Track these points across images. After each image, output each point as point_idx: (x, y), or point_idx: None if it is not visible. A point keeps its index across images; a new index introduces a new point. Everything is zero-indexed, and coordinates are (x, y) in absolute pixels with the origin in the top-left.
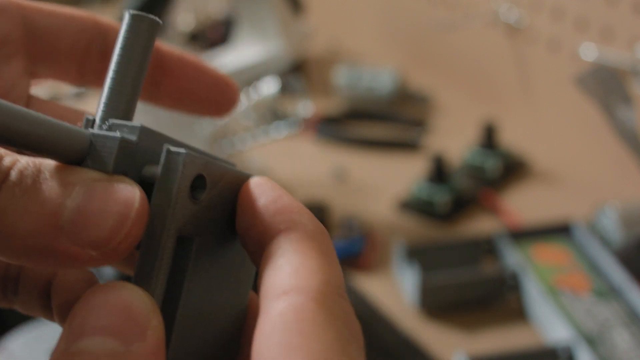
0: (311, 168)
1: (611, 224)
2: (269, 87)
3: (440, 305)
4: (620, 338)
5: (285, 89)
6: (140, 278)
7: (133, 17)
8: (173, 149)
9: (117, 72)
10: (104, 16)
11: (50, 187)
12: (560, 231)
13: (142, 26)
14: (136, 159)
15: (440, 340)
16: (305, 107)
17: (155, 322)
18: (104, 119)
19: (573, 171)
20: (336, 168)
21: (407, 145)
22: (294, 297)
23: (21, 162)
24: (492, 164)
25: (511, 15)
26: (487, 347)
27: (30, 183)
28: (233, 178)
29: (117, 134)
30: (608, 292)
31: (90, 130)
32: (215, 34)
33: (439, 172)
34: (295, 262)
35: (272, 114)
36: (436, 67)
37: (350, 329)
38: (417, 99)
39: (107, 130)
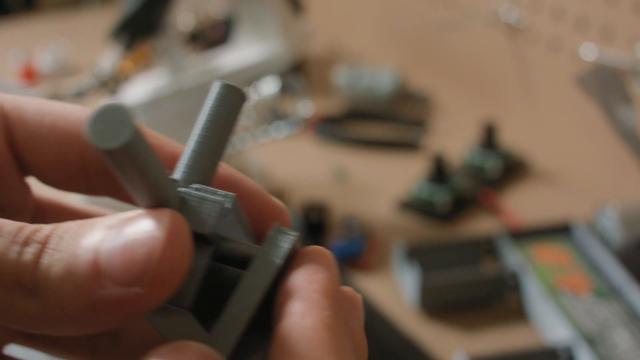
0: (311, 168)
1: (611, 224)
2: (269, 87)
3: (440, 305)
4: (620, 338)
5: (285, 89)
6: (217, 340)
7: (223, 87)
8: (284, 228)
9: (202, 136)
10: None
11: (87, 239)
12: (560, 231)
13: (231, 96)
14: (222, 228)
15: (440, 340)
16: (305, 107)
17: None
18: (185, 180)
19: (573, 171)
20: (336, 168)
21: (407, 145)
22: None
23: (62, 227)
24: (492, 164)
25: (511, 15)
26: (487, 347)
27: (70, 241)
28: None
29: (218, 197)
30: (608, 292)
31: (185, 189)
32: (215, 34)
33: (439, 172)
34: (306, 354)
35: (272, 113)
36: (436, 67)
37: None
38: (417, 99)
39: (195, 191)
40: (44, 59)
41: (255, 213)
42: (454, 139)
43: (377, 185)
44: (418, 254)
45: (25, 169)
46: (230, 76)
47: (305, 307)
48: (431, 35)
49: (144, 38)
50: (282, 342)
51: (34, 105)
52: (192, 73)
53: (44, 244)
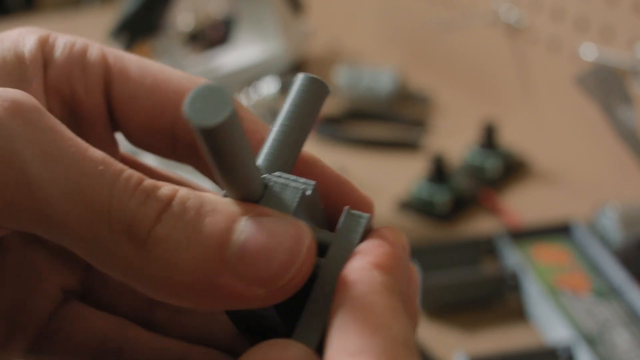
0: None
1: (611, 224)
2: (269, 87)
3: (440, 305)
4: (620, 338)
5: (285, 89)
6: (303, 335)
7: (307, 79)
8: (355, 212)
9: (285, 125)
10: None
11: (215, 220)
12: (560, 231)
13: (315, 88)
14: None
15: (440, 340)
16: None
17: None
18: (267, 167)
19: (573, 171)
20: (336, 168)
21: (407, 145)
22: None
23: (182, 193)
24: (492, 164)
25: (511, 15)
26: (487, 347)
27: (194, 215)
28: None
29: (299, 184)
30: (608, 292)
31: (268, 175)
32: (215, 34)
33: (439, 172)
34: (359, 319)
35: (272, 114)
36: (436, 67)
37: None
38: (417, 99)
39: (277, 178)
40: None
41: (335, 200)
42: (454, 139)
43: (377, 185)
44: (418, 253)
45: (116, 125)
46: (230, 76)
47: (367, 265)
48: (431, 35)
49: (144, 38)
50: (342, 294)
51: (136, 63)
52: (192, 73)
53: (167, 203)
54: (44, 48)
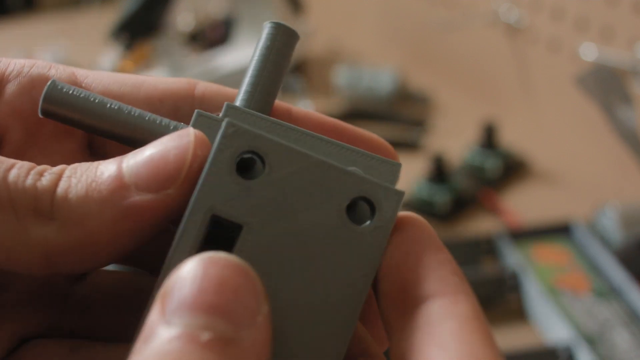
0: None
1: (611, 224)
2: None
3: None
4: (620, 338)
5: (285, 89)
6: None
7: (275, 27)
8: (229, 120)
9: (253, 75)
10: (202, 83)
11: (104, 166)
12: (560, 231)
13: (284, 35)
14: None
15: None
16: (305, 107)
17: (265, 309)
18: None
19: (573, 171)
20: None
21: (407, 145)
22: None
23: (72, 165)
24: (492, 164)
25: (511, 15)
26: None
27: (85, 171)
28: (325, 171)
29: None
30: (608, 292)
31: (197, 110)
32: (215, 34)
33: (439, 172)
34: (466, 347)
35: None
36: (436, 67)
37: None
38: (417, 99)
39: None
40: (44, 58)
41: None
42: (454, 139)
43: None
44: None
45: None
46: (230, 76)
47: (450, 291)
48: (431, 35)
49: (144, 38)
50: (428, 329)
51: (104, 74)
52: (192, 73)
53: (59, 174)
54: None
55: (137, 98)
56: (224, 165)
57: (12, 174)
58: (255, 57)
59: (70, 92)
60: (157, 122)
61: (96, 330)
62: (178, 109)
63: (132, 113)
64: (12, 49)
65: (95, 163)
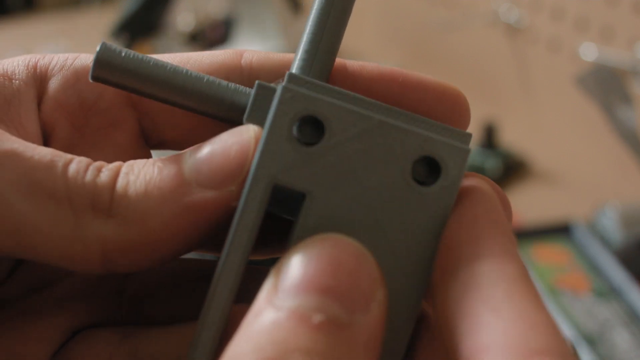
0: None
1: (611, 224)
2: None
3: None
4: (620, 338)
5: None
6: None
7: None
8: (285, 86)
9: (312, 33)
10: (248, 52)
11: (163, 163)
12: (560, 231)
13: None
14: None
15: None
16: None
17: (380, 295)
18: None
19: (573, 171)
20: None
21: None
22: None
23: (128, 161)
24: (492, 164)
25: (511, 15)
26: None
27: (143, 168)
28: (387, 132)
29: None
30: (608, 292)
31: (258, 81)
32: (215, 34)
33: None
34: (519, 310)
35: None
36: (436, 67)
37: None
38: None
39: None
40: None
41: (431, 105)
42: None
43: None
44: None
45: (155, 127)
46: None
47: (500, 253)
48: (431, 35)
49: (144, 38)
50: (477, 290)
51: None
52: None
53: (117, 171)
54: (35, 72)
55: None
56: (282, 132)
57: (71, 169)
58: (313, 15)
59: (124, 54)
60: (217, 83)
61: (150, 318)
62: (227, 81)
63: (190, 74)
64: (12, 49)
65: (152, 160)
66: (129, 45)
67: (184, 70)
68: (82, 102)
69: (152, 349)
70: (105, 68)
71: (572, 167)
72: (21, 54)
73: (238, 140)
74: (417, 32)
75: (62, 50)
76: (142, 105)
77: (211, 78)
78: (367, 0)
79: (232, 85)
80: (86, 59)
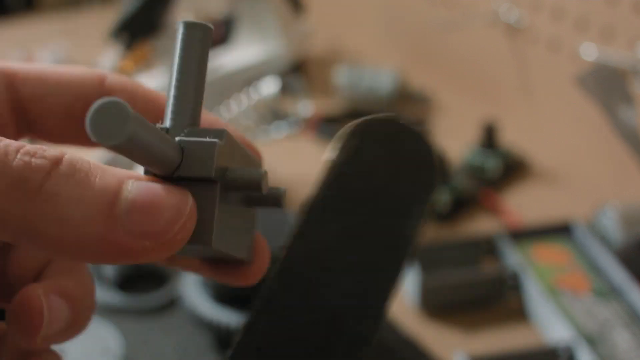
0: (311, 168)
1: (611, 224)
2: (269, 87)
3: (440, 305)
4: (621, 338)
5: (285, 89)
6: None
7: (186, 26)
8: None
9: (179, 80)
10: (112, 74)
11: (105, 179)
12: (560, 231)
13: (196, 34)
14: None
15: (440, 340)
16: (305, 107)
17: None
18: (175, 127)
19: (573, 171)
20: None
21: None
22: None
23: (70, 155)
24: (492, 164)
25: (511, 15)
26: (487, 347)
27: (84, 175)
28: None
29: (211, 138)
30: (608, 292)
31: (178, 138)
32: (215, 34)
33: (440, 172)
34: None
35: (272, 114)
36: (436, 67)
37: None
38: (417, 99)
39: (189, 136)
40: (44, 58)
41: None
42: (454, 139)
43: None
44: (418, 254)
45: (32, 128)
46: (230, 76)
47: None
48: (431, 35)
49: (144, 38)
50: None
51: (38, 66)
52: None
53: (54, 163)
54: None
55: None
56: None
57: (6, 149)
58: (178, 64)
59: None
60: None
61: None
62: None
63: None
64: (12, 49)
65: (98, 166)
66: (129, 45)
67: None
68: None
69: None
70: (127, 147)
71: (572, 167)
72: (21, 54)
73: (172, 208)
74: (417, 32)
75: (63, 50)
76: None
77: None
78: (367, 0)
79: (165, 136)
80: None
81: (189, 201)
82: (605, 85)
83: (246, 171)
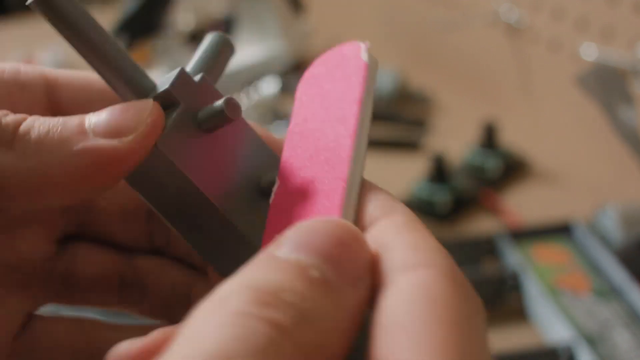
0: None
1: (611, 224)
2: (269, 86)
3: None
4: (621, 338)
5: (286, 89)
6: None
7: (217, 36)
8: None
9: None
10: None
11: (70, 118)
12: (560, 231)
13: (222, 44)
14: (193, 98)
15: None
16: None
17: (368, 281)
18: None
19: (573, 171)
20: None
21: (407, 145)
22: (424, 271)
23: (30, 118)
24: (492, 164)
25: (511, 15)
26: None
27: (50, 119)
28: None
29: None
30: (608, 292)
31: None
32: None
33: (439, 172)
34: (412, 240)
35: (273, 113)
36: (436, 67)
37: (477, 304)
38: (417, 99)
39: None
40: (45, 58)
41: None
42: (454, 139)
43: (377, 184)
44: None
45: None
46: (230, 76)
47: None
48: (431, 35)
49: (144, 38)
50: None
51: (77, 72)
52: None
53: (24, 117)
54: None
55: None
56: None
57: None
58: (197, 63)
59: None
60: (132, 61)
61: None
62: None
63: (118, 47)
64: (12, 49)
65: (60, 117)
66: (129, 45)
67: (113, 42)
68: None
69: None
70: (44, 4)
71: (572, 167)
72: (22, 54)
73: (138, 104)
74: (417, 32)
75: (63, 50)
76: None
77: (128, 55)
78: (367, 0)
79: (140, 67)
80: (27, 67)
81: (151, 102)
82: (605, 85)
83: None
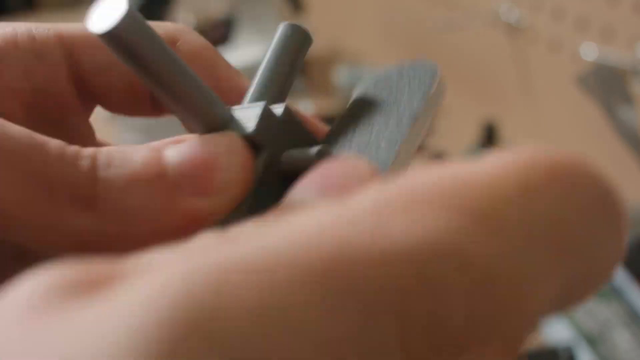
0: None
1: None
2: None
3: None
4: (621, 338)
5: None
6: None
7: (291, 27)
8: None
9: (269, 69)
10: (187, 33)
11: (141, 153)
12: None
13: (297, 35)
14: (277, 138)
15: None
16: (305, 107)
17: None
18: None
19: None
20: None
21: None
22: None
23: (101, 148)
24: None
25: (511, 15)
26: None
27: (121, 158)
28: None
29: (261, 104)
30: (608, 292)
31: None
32: (216, 34)
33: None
34: None
35: None
36: None
37: None
38: None
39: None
40: None
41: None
42: (454, 139)
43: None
44: None
45: (95, 98)
46: None
47: None
48: (431, 35)
49: None
50: None
51: (85, 29)
52: None
53: (95, 158)
54: None
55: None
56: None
57: (52, 152)
58: (271, 56)
59: (146, 35)
60: (210, 94)
61: None
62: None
63: (194, 84)
64: None
65: (129, 146)
66: None
67: (190, 74)
68: (35, 88)
69: None
70: (117, 40)
71: None
72: None
73: (226, 150)
74: (417, 32)
75: None
76: (89, 86)
77: (203, 86)
78: (367, 0)
79: (216, 96)
80: (42, 30)
81: (237, 138)
82: (605, 85)
83: (301, 152)
